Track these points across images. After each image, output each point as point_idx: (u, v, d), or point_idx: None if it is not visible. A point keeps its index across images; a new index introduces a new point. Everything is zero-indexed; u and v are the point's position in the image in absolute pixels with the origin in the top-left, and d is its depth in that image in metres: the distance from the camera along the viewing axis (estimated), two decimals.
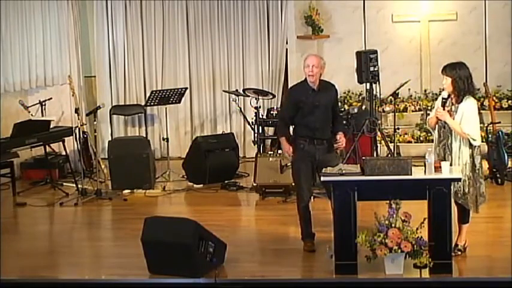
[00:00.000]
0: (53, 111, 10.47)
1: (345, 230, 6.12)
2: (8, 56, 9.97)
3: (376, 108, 9.88)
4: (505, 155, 9.15)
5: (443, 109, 6.38)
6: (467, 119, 6.32)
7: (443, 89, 6.46)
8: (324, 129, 6.89)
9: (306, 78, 6.89)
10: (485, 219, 7.41)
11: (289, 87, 7.98)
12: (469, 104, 6.36)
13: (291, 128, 7.08)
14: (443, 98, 6.40)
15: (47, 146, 9.59)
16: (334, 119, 7.00)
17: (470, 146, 6.36)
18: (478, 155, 6.41)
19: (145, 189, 9.38)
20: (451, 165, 6.30)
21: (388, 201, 6.15)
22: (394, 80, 10.08)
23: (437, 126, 6.48)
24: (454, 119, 6.36)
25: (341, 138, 6.88)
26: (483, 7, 11.22)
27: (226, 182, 9.60)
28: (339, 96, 10.41)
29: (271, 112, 10.54)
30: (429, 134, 6.62)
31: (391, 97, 9.98)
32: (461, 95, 6.35)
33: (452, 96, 6.40)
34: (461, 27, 11.33)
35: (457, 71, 6.37)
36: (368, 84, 9.63)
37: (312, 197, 7.54)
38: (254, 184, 9.17)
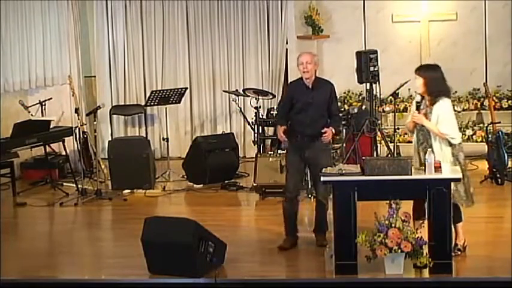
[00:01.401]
0: (53, 111, 10.46)
1: (345, 230, 6.12)
2: (8, 56, 9.96)
3: (376, 108, 9.88)
4: (505, 155, 9.15)
5: (419, 112, 6.41)
6: (442, 119, 6.35)
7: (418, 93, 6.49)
8: (315, 127, 6.82)
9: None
10: (485, 219, 7.42)
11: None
12: (443, 105, 6.38)
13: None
14: (417, 102, 6.46)
15: (47, 146, 9.58)
16: (330, 117, 6.94)
17: (451, 144, 6.38)
18: (460, 151, 6.43)
19: (145, 189, 9.38)
20: None
21: (388, 201, 6.15)
22: (394, 80, 10.05)
23: (415, 129, 6.51)
24: (430, 121, 6.38)
25: (327, 132, 6.77)
26: (483, 7, 11.20)
27: (226, 182, 9.60)
28: (339, 96, 10.46)
29: (271, 112, 10.52)
30: None
31: (391, 97, 9.99)
32: (434, 96, 6.38)
33: (426, 98, 6.43)
34: (461, 27, 11.32)
35: (430, 72, 6.45)
36: (368, 84, 9.62)
37: (311, 197, 7.53)
38: (254, 184, 9.17)
